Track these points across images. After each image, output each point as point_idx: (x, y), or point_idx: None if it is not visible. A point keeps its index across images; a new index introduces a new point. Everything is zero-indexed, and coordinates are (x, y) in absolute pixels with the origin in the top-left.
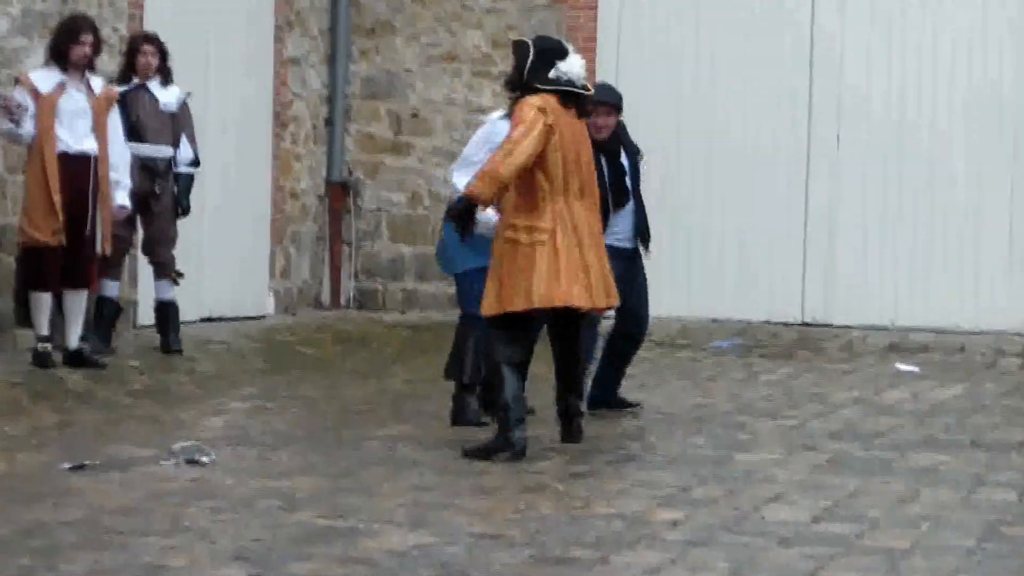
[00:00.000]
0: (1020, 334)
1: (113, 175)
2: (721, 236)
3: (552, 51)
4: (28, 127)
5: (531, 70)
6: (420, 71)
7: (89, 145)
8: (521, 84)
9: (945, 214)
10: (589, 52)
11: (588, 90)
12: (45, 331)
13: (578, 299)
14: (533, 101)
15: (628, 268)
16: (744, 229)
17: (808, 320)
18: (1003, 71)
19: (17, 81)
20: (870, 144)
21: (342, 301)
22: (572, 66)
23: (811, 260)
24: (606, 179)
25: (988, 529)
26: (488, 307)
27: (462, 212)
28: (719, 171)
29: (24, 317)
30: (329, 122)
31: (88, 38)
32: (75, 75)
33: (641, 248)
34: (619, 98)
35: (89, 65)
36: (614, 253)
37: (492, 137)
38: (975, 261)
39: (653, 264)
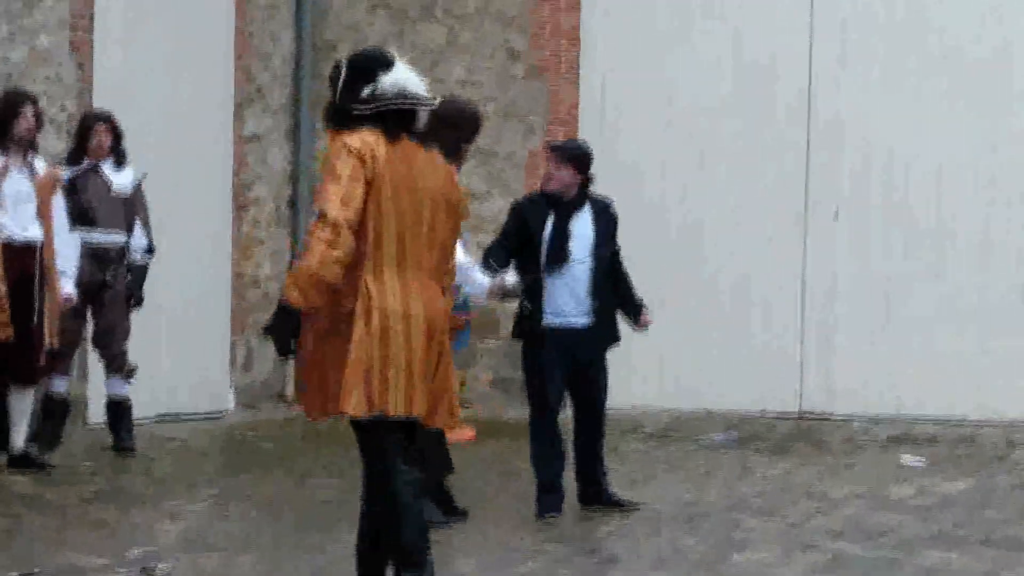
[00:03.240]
0: None
1: (59, 263)
2: (712, 321)
3: (370, 61)
4: None
5: (344, 90)
6: None
7: (34, 232)
8: (335, 112)
9: (952, 296)
10: (572, 122)
11: (430, 103)
12: None
13: (356, 407)
14: (347, 140)
15: (578, 350)
16: (737, 313)
17: (806, 410)
18: (1016, 150)
19: None
20: (871, 221)
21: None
22: (399, 77)
23: (809, 346)
24: (545, 238)
25: None
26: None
27: (280, 325)
28: (710, 250)
29: None
30: (293, 203)
31: (29, 112)
32: (17, 155)
33: (629, 322)
34: (579, 153)
35: (31, 144)
36: (556, 335)
37: None
38: (983, 346)
39: (639, 351)
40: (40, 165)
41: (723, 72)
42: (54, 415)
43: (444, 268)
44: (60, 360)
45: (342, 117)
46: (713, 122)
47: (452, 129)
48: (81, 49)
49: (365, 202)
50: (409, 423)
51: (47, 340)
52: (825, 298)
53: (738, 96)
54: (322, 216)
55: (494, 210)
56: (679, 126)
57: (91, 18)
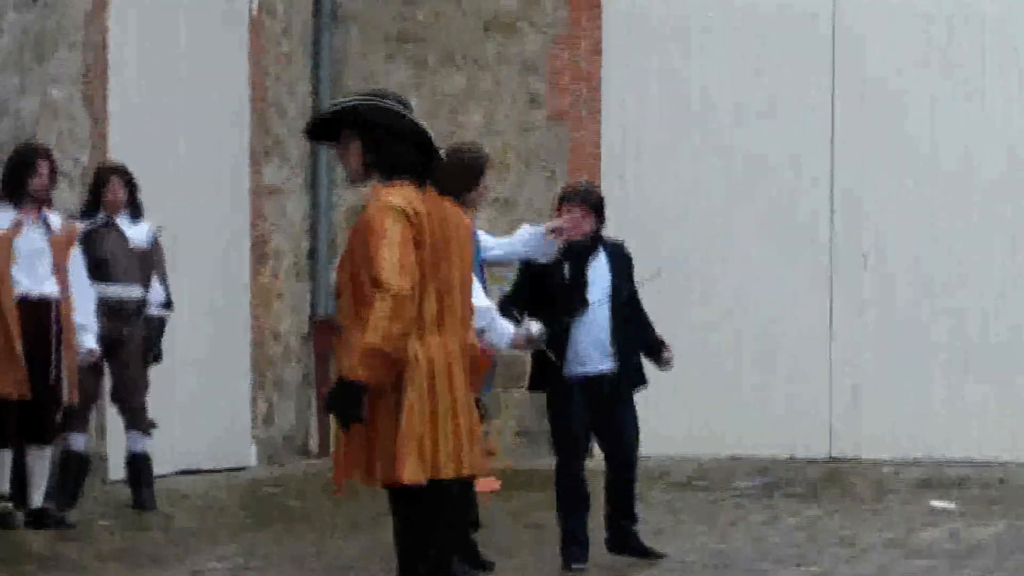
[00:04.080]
0: None
1: (78, 318)
2: (739, 366)
3: (391, 99)
4: None
5: (391, 141)
6: None
7: (50, 288)
8: (384, 163)
9: (980, 336)
10: (593, 169)
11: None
12: (5, 489)
13: (413, 475)
14: (391, 199)
15: (604, 396)
16: (765, 357)
17: (836, 455)
18: None
19: None
20: (898, 264)
21: (331, 448)
22: (421, 125)
23: (837, 390)
24: (561, 285)
25: None
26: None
27: (346, 402)
28: (735, 295)
29: None
30: (312, 255)
31: (43, 167)
32: (31, 211)
33: (653, 362)
34: (596, 196)
35: (46, 199)
36: (581, 383)
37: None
38: (1014, 385)
39: (666, 397)
40: (55, 219)
41: (746, 118)
42: (73, 472)
43: (469, 313)
44: (78, 416)
45: (391, 168)
46: (737, 167)
47: (460, 176)
48: (95, 101)
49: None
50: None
51: (66, 397)
52: (853, 342)
53: (761, 141)
54: (382, 286)
55: (516, 262)
56: (702, 171)
57: (105, 69)
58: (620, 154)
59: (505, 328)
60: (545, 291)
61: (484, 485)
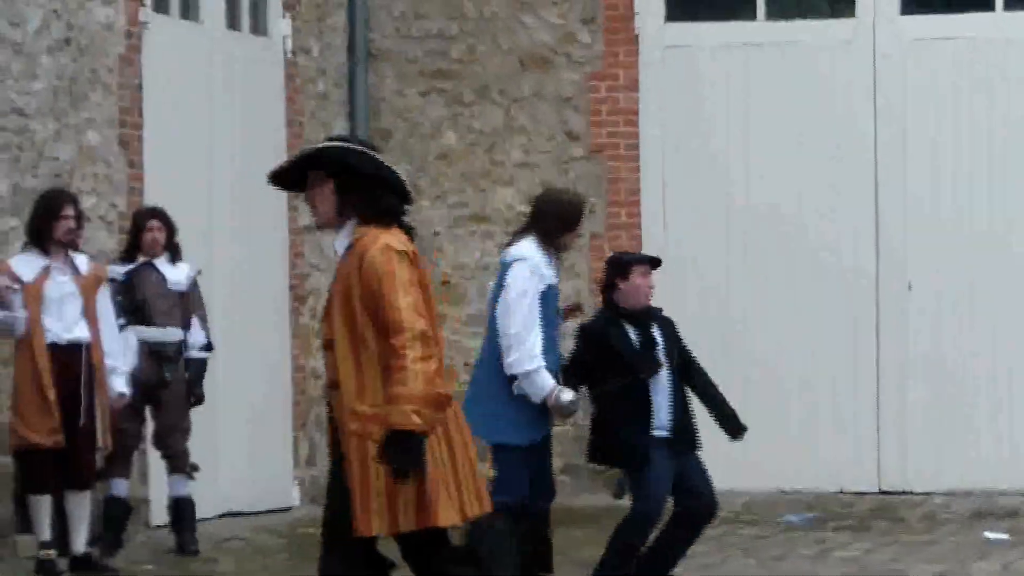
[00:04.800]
0: None
1: (108, 361)
2: (786, 398)
3: (355, 143)
4: (22, 313)
5: (379, 184)
6: (448, 234)
7: (80, 332)
8: (377, 208)
9: None
10: (632, 205)
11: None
12: (47, 536)
13: (449, 518)
14: (391, 243)
15: (677, 458)
16: (810, 389)
17: (885, 488)
18: None
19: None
20: (945, 291)
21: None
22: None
23: (885, 421)
24: (632, 351)
25: None
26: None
27: (407, 452)
28: (778, 326)
29: (25, 521)
30: None
31: (70, 213)
32: (58, 256)
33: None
34: (656, 260)
35: (73, 243)
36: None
37: (525, 287)
38: None
39: (712, 431)
40: (82, 262)
41: (785, 149)
42: (115, 518)
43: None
44: (119, 462)
45: (387, 213)
46: (777, 198)
47: (558, 219)
48: (130, 145)
49: None
50: None
51: (100, 442)
52: (900, 372)
53: (802, 171)
54: (404, 331)
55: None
56: (742, 206)
57: (140, 113)
58: (660, 188)
59: (546, 381)
60: (603, 356)
61: None
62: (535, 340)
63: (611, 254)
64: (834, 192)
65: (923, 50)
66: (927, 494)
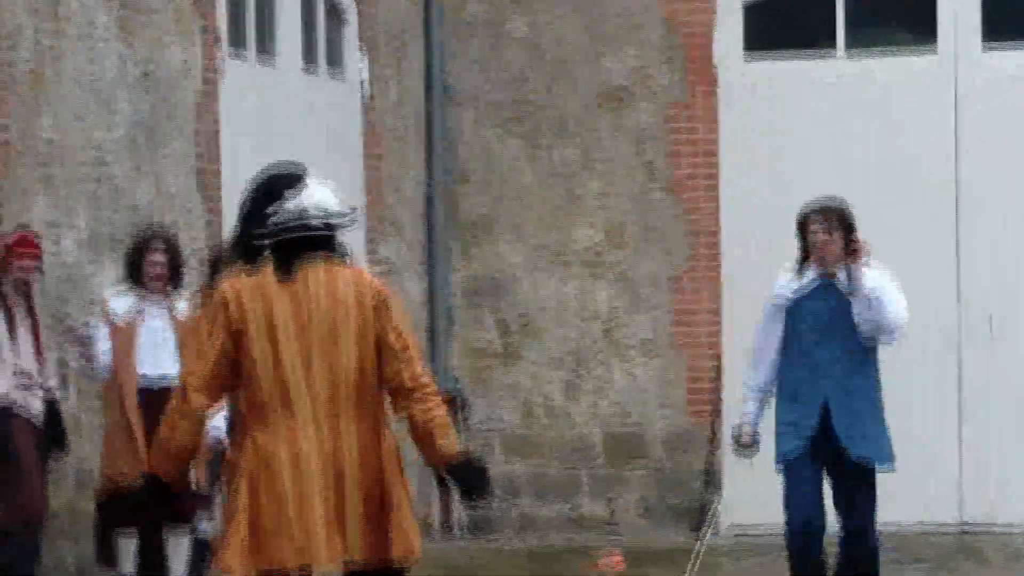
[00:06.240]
0: None
1: None
2: None
3: (279, 180)
4: (100, 360)
5: (247, 216)
6: (527, 272)
7: (173, 374)
8: (237, 242)
9: None
10: (713, 240)
11: (340, 222)
12: (130, 571)
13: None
14: (220, 291)
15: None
16: (891, 423)
17: (966, 522)
18: None
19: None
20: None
21: (452, 526)
22: (305, 197)
23: (967, 456)
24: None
25: None
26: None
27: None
28: None
29: (105, 557)
30: (430, 332)
31: (159, 250)
32: (154, 295)
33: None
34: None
35: (165, 282)
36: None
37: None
38: None
39: None
40: (181, 303)
41: (866, 187)
42: (197, 556)
43: (357, 402)
44: (203, 501)
45: (244, 251)
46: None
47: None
48: (209, 188)
49: (232, 347)
50: None
51: (193, 483)
52: (982, 407)
53: (882, 206)
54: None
55: (637, 336)
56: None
57: (218, 156)
58: (740, 224)
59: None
60: None
61: (610, 564)
62: None
63: None
64: (915, 226)
65: (1006, 87)
66: (1010, 529)
